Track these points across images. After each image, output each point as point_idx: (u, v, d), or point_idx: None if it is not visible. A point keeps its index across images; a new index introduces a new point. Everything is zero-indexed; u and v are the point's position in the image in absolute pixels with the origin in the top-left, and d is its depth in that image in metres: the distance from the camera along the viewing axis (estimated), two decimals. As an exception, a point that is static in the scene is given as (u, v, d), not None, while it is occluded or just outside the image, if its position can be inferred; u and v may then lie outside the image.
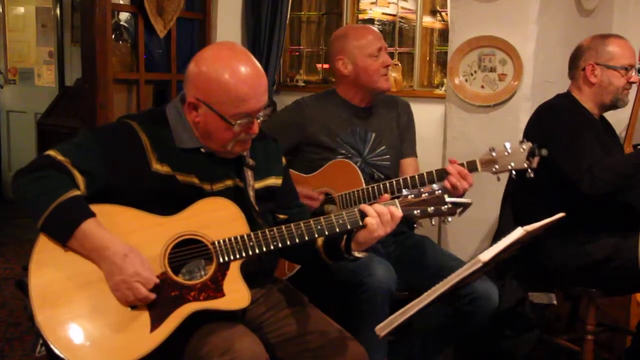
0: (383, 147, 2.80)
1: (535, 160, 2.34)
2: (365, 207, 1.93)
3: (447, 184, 2.34)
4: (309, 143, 2.77)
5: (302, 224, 1.93)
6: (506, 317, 2.68)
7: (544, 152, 2.36)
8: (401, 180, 2.52)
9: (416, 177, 2.48)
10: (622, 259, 2.59)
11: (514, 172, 2.36)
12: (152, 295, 1.80)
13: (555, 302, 3.07)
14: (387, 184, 2.54)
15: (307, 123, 2.77)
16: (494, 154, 2.37)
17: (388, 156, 2.81)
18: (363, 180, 2.65)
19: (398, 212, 1.93)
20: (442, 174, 2.40)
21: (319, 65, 4.95)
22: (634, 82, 2.79)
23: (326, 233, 1.94)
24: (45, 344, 1.74)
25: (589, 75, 2.77)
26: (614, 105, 2.81)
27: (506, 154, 2.35)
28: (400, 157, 2.89)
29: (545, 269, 2.77)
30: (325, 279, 2.56)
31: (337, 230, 1.93)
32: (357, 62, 2.73)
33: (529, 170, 2.34)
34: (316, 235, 1.94)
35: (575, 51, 2.86)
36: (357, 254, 2.00)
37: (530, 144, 2.34)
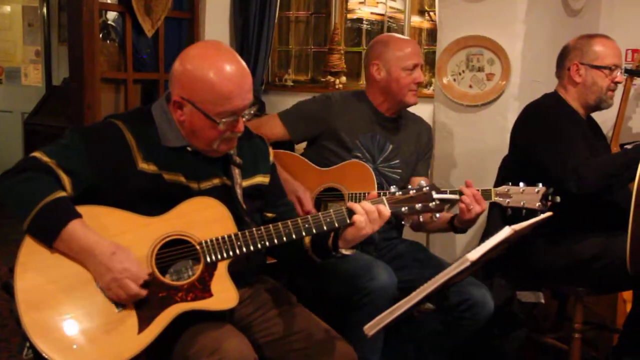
0: (397, 161, 2.82)
1: (548, 204, 2.36)
2: (353, 204, 1.93)
3: (461, 205, 2.34)
4: (328, 137, 2.78)
5: (289, 223, 1.93)
6: (494, 316, 2.68)
7: (557, 199, 2.37)
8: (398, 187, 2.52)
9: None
10: (609, 257, 2.60)
11: (524, 210, 2.38)
12: (144, 292, 1.80)
13: (543, 300, 3.08)
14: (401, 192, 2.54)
15: (332, 118, 2.78)
16: (509, 188, 2.39)
17: (400, 170, 2.83)
18: (376, 186, 2.66)
19: (386, 210, 1.94)
20: (457, 194, 2.40)
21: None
22: (618, 82, 2.79)
23: (314, 232, 1.94)
24: (32, 347, 1.73)
25: (573, 75, 2.78)
26: (598, 106, 2.82)
27: (521, 192, 2.37)
28: (412, 174, 2.90)
29: (533, 268, 2.77)
30: (324, 281, 2.55)
31: (325, 228, 1.94)
32: (391, 72, 2.76)
33: (539, 212, 2.36)
34: (304, 234, 1.94)
35: (562, 51, 2.87)
36: (344, 252, 2.00)
37: (544, 189, 2.34)
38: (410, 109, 2.93)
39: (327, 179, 2.73)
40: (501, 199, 2.38)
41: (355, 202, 2.59)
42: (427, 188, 1.96)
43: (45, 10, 6.49)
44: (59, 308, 1.77)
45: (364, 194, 2.62)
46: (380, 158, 2.79)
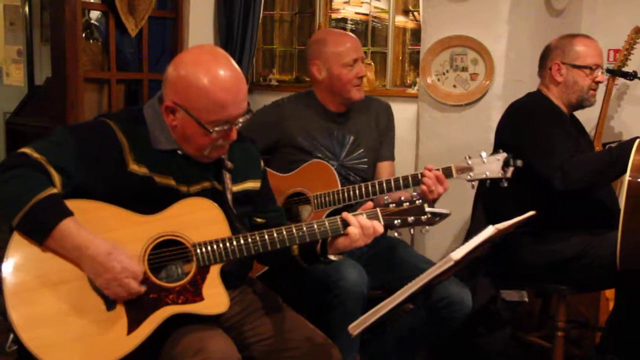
0: (361, 150, 2.81)
1: (510, 170, 2.37)
2: (349, 216, 1.93)
3: (423, 187, 2.35)
4: (286, 144, 2.76)
5: (283, 230, 1.92)
6: (479, 315, 2.70)
7: (519, 162, 2.39)
8: (377, 184, 2.52)
9: (392, 180, 2.49)
10: (591, 256, 2.62)
11: (488, 180, 2.40)
12: (143, 288, 1.79)
13: (526, 299, 3.10)
14: (363, 187, 2.54)
15: (286, 123, 2.76)
16: (469, 162, 2.40)
17: (366, 159, 2.82)
18: (339, 182, 2.65)
19: (380, 228, 1.94)
20: (418, 178, 2.41)
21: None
22: (600, 82, 2.82)
23: (307, 240, 1.93)
24: (18, 342, 1.72)
25: (555, 74, 2.80)
26: (580, 104, 2.84)
27: (482, 162, 2.39)
28: (378, 159, 2.89)
29: (517, 266, 2.79)
30: (297, 281, 2.55)
31: (319, 237, 1.94)
32: (332, 70, 2.72)
33: (504, 180, 2.38)
34: (297, 242, 1.94)
35: (544, 50, 2.89)
36: (332, 257, 2.00)
37: (505, 154, 2.37)
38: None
39: (291, 184, 2.71)
40: (463, 175, 2.38)
41: (322, 203, 2.61)
42: (420, 201, 1.97)
43: (27, 9, 6.45)
44: (48, 304, 1.75)
45: (329, 193, 2.61)
46: (343, 153, 2.78)
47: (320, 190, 2.64)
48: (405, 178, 2.47)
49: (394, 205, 1.97)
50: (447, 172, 2.41)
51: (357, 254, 2.68)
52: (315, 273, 2.41)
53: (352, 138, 2.80)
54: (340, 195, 2.59)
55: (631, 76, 3.56)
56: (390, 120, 2.93)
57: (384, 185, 2.50)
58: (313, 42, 2.83)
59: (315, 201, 2.64)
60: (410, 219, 1.96)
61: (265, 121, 2.82)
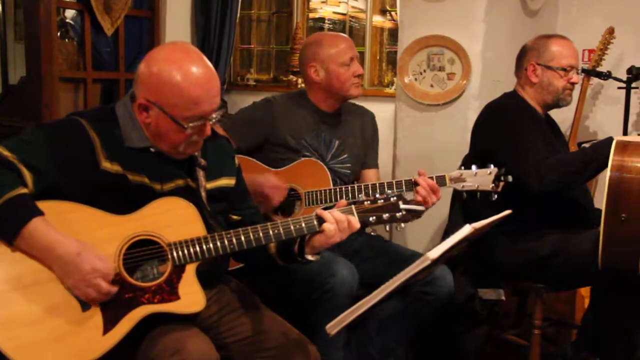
0: (345, 155, 2.83)
1: (501, 184, 2.39)
2: (323, 213, 1.93)
3: (417, 197, 2.37)
4: (274, 142, 2.77)
5: (259, 228, 1.92)
6: (456, 314, 2.71)
7: (510, 178, 2.42)
8: (370, 186, 2.54)
9: (385, 184, 2.51)
10: (567, 254, 2.64)
11: (478, 192, 2.43)
12: (115, 288, 1.78)
13: (503, 297, 3.12)
14: (356, 187, 2.56)
15: (276, 122, 2.77)
16: (462, 172, 2.44)
17: (349, 164, 2.84)
18: (331, 181, 2.67)
19: (356, 222, 1.94)
20: (411, 185, 2.43)
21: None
22: (574, 83, 2.84)
23: (283, 238, 1.93)
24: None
25: (530, 75, 2.82)
26: (556, 104, 2.86)
27: (474, 174, 2.42)
28: (362, 167, 2.93)
29: (494, 265, 2.81)
30: (284, 280, 2.55)
31: (294, 235, 1.94)
32: (330, 70, 2.75)
33: (493, 193, 2.42)
34: (273, 240, 1.93)
35: (520, 51, 2.90)
36: (310, 257, 2.00)
37: (496, 169, 2.40)
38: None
39: (283, 179, 2.71)
40: (455, 184, 2.41)
41: (312, 200, 2.62)
42: (395, 198, 1.97)
43: (0, 6, 6.36)
44: (22, 306, 1.73)
45: (321, 191, 2.63)
46: (329, 155, 2.80)
47: (311, 188, 2.66)
48: (399, 183, 2.49)
49: (368, 202, 1.97)
50: (441, 181, 2.44)
51: (339, 253, 2.68)
52: (303, 269, 2.41)
53: (337, 142, 2.82)
54: (332, 193, 2.61)
55: (605, 76, 3.60)
56: (375, 130, 2.99)
57: (377, 187, 2.51)
58: (308, 45, 2.86)
59: (307, 198, 2.65)
60: (385, 215, 1.96)
61: (256, 118, 2.81)
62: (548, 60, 2.79)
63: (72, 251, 1.75)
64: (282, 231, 1.92)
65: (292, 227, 1.93)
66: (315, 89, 2.82)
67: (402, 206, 1.97)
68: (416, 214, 2.00)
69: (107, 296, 1.78)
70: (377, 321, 2.70)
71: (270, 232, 1.92)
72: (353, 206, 1.97)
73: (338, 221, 1.92)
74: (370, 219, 1.96)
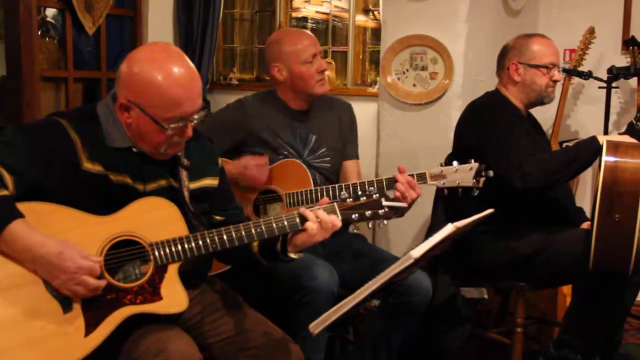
0: (324, 149, 2.81)
1: (482, 180, 2.40)
2: (306, 211, 1.93)
3: (396, 193, 2.37)
4: (251, 143, 2.75)
5: (242, 227, 1.91)
6: (439, 312, 2.72)
7: (491, 173, 2.42)
8: (351, 185, 2.54)
9: (366, 183, 2.50)
10: (549, 253, 2.65)
11: (460, 189, 2.43)
12: (103, 282, 1.77)
13: (486, 296, 3.14)
14: (337, 188, 2.55)
15: (250, 121, 2.75)
16: (442, 169, 2.43)
17: (329, 158, 2.82)
18: (312, 182, 2.66)
19: (338, 223, 1.94)
20: (391, 183, 2.43)
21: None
22: (557, 81, 2.86)
23: (265, 236, 1.93)
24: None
25: (512, 74, 2.83)
26: (541, 101, 2.88)
27: (454, 171, 2.42)
28: (342, 158, 2.90)
29: (476, 264, 2.82)
30: (266, 281, 2.55)
31: (277, 233, 1.93)
32: (292, 69, 2.72)
33: (474, 189, 2.42)
34: (255, 239, 1.93)
35: (502, 50, 2.92)
36: (292, 255, 2.00)
37: (477, 165, 2.40)
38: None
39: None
40: (436, 181, 2.42)
41: (293, 202, 2.61)
42: (377, 195, 1.97)
43: (-20, 5, 6.29)
44: (2, 309, 1.72)
45: (302, 192, 2.62)
46: (306, 151, 2.78)
47: (292, 189, 2.64)
48: (379, 181, 2.48)
49: (351, 199, 1.97)
50: (421, 178, 2.44)
51: (323, 254, 2.68)
52: (285, 271, 2.41)
53: (314, 137, 2.80)
54: (313, 194, 2.60)
55: (586, 75, 3.63)
56: (352, 120, 2.95)
57: (358, 186, 2.51)
58: (270, 44, 2.83)
59: (288, 199, 2.64)
60: (368, 212, 1.96)
61: (230, 120, 2.80)
62: (529, 59, 2.81)
63: (54, 252, 1.73)
64: (264, 229, 1.92)
65: (274, 225, 1.92)
66: (282, 88, 2.80)
67: (384, 203, 1.97)
68: (398, 211, 2.00)
69: (97, 291, 1.77)
70: (369, 345, 2.68)
71: (253, 230, 1.91)
72: (335, 204, 1.97)
73: (322, 221, 1.92)
74: (353, 216, 1.96)
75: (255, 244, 2.03)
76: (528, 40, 2.84)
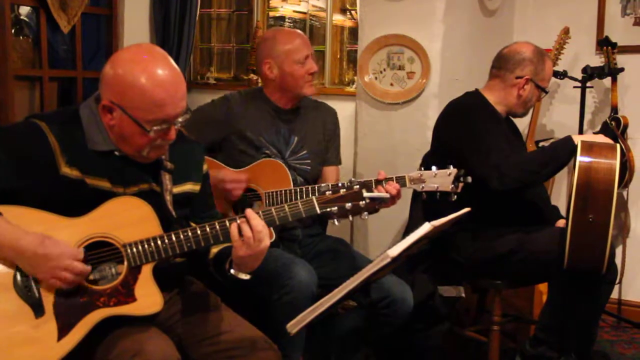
0: (305, 152, 2.82)
1: (460, 185, 2.41)
2: (242, 223, 1.87)
3: (380, 188, 2.35)
4: (236, 139, 2.75)
5: (207, 227, 1.90)
6: (417, 311, 2.73)
7: (469, 179, 2.43)
8: (330, 186, 2.52)
9: (347, 183, 2.49)
10: (525, 251, 2.68)
11: (438, 193, 2.43)
12: (88, 268, 1.77)
13: (463, 295, 3.15)
14: (316, 188, 2.55)
15: (234, 118, 2.75)
16: (422, 173, 2.44)
17: (309, 161, 2.83)
18: (291, 181, 2.65)
19: (267, 241, 1.88)
20: (376, 184, 2.43)
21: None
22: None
23: (221, 239, 1.90)
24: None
25: (520, 86, 2.82)
26: (522, 115, 2.93)
27: (433, 175, 2.42)
28: (323, 163, 2.91)
29: (454, 263, 2.83)
30: (246, 280, 2.53)
31: (221, 239, 1.90)
32: (284, 67, 2.74)
33: (452, 194, 2.42)
34: (221, 240, 1.90)
35: (514, 55, 2.85)
36: (240, 276, 1.95)
37: (456, 170, 2.40)
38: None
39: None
40: (415, 185, 2.42)
41: (273, 201, 2.60)
42: (358, 186, 1.93)
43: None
44: None
45: (281, 191, 2.62)
46: (288, 151, 2.79)
47: (272, 188, 2.64)
48: (368, 182, 2.48)
49: (330, 192, 1.93)
50: (401, 182, 2.44)
51: (300, 254, 2.68)
52: (265, 273, 2.39)
53: (296, 139, 2.81)
54: (293, 193, 2.59)
55: (561, 75, 3.66)
56: (336, 127, 2.98)
57: (339, 187, 2.50)
58: (263, 41, 2.84)
59: (267, 198, 2.64)
60: (348, 205, 1.92)
61: (214, 116, 2.80)
62: (540, 80, 2.83)
63: (35, 242, 1.73)
64: (219, 232, 1.89)
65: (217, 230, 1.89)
66: (270, 86, 2.81)
67: (365, 194, 1.93)
68: (381, 202, 1.96)
69: (83, 276, 1.77)
70: (337, 338, 2.70)
71: (208, 232, 1.88)
72: (314, 197, 1.94)
73: (254, 231, 1.85)
74: (333, 209, 1.92)
75: (215, 249, 2.02)
76: (544, 60, 2.85)
